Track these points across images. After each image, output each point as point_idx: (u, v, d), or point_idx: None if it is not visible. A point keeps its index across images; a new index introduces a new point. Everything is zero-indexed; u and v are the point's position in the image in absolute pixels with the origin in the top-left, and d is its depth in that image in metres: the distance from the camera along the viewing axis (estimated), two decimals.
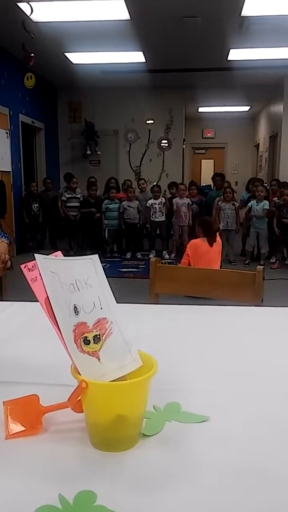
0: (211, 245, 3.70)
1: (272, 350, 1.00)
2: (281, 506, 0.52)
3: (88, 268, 0.72)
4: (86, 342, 0.66)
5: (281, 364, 0.92)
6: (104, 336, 0.68)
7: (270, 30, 5.49)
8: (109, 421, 0.61)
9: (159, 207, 6.85)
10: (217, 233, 3.87)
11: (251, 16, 5.13)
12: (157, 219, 6.85)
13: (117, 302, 1.27)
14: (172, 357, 0.94)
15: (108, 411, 0.61)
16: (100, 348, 0.67)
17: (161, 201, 6.87)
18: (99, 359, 0.66)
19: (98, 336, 0.67)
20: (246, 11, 4.97)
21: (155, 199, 6.86)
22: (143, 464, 0.59)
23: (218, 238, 3.85)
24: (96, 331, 0.67)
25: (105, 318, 0.69)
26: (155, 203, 6.85)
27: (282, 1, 4.66)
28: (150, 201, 6.86)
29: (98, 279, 0.72)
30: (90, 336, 0.66)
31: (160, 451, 0.62)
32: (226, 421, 0.70)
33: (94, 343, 0.67)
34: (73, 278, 0.68)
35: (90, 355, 0.65)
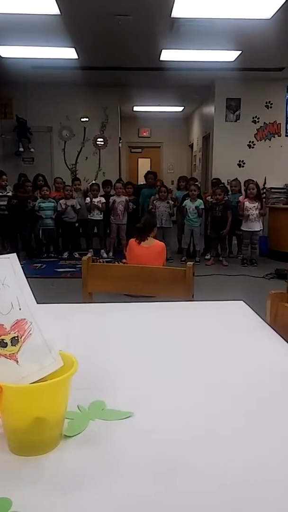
0: (138, 242, 3.65)
1: (198, 344, 1.03)
2: (200, 497, 0.53)
3: (5, 268, 0.69)
4: (3, 344, 0.63)
5: (206, 357, 0.95)
6: (23, 337, 0.66)
7: (200, 32, 5.65)
8: (28, 425, 0.59)
9: (97, 206, 6.80)
10: (151, 235, 3.78)
11: (181, 18, 5.24)
12: (94, 218, 6.79)
13: (53, 302, 1.25)
14: (99, 355, 0.94)
15: (26, 414, 0.59)
16: (19, 350, 0.65)
17: (99, 200, 6.83)
18: (17, 361, 0.64)
19: (16, 338, 0.65)
20: (176, 12, 5.07)
21: (94, 197, 6.79)
22: (62, 466, 0.58)
23: (156, 242, 3.77)
24: (14, 332, 0.65)
25: (24, 319, 0.67)
26: (93, 202, 6.78)
27: (211, 5, 4.81)
28: (88, 199, 6.79)
29: (16, 279, 0.70)
30: (7, 339, 0.64)
31: (81, 450, 0.61)
32: (150, 415, 0.70)
33: (11, 345, 0.64)
34: None
35: (8, 358, 0.63)
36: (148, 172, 7.69)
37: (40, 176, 7.33)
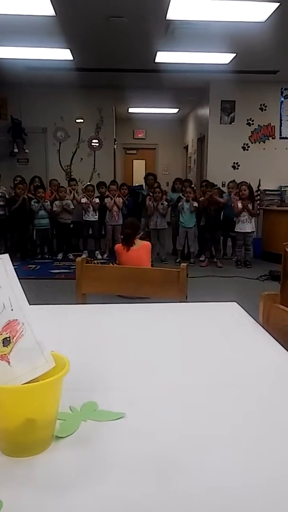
0: (127, 249, 3.65)
1: (191, 345, 1.03)
2: (194, 499, 0.52)
3: None
4: None
5: (199, 358, 0.95)
6: (15, 338, 0.66)
7: (195, 34, 5.67)
8: (19, 426, 0.59)
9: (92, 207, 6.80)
10: (137, 237, 3.77)
11: (176, 20, 5.26)
12: (89, 219, 6.79)
13: (47, 303, 1.24)
14: (91, 356, 0.94)
15: (18, 415, 0.59)
16: (11, 351, 0.65)
17: (95, 201, 6.82)
18: (9, 362, 0.64)
19: (8, 339, 0.65)
20: (171, 14, 5.08)
21: (89, 197, 6.79)
22: (54, 467, 0.57)
23: (142, 243, 3.77)
24: (6, 333, 0.65)
25: (16, 319, 0.67)
26: (88, 202, 6.78)
27: (206, 7, 4.83)
28: (83, 200, 6.79)
29: (8, 279, 0.70)
30: None
31: (73, 451, 0.61)
32: (142, 416, 0.70)
33: (3, 346, 0.64)
34: None
35: None
36: (148, 174, 7.71)
37: (37, 177, 7.32)
